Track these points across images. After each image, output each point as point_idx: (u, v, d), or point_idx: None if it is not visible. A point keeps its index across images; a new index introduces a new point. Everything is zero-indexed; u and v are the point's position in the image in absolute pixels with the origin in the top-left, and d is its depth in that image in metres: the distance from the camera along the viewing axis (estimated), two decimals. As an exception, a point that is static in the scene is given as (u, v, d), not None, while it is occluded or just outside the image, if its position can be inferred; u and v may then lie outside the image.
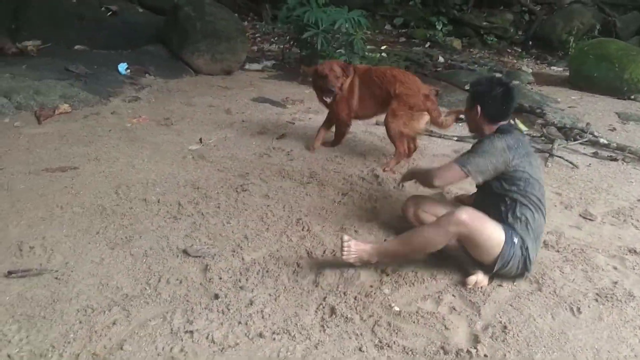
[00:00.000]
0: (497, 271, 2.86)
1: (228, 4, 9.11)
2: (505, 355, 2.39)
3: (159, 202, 3.51)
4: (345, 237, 2.82)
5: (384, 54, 8.29)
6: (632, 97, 7.60)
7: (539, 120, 5.73)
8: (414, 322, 2.57)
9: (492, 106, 3.00)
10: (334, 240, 3.19)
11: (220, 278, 2.79)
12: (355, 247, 2.83)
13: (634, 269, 3.21)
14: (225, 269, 2.87)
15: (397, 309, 2.65)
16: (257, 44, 8.72)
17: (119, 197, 3.56)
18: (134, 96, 5.69)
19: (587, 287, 2.97)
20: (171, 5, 7.12)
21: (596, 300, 2.85)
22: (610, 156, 5.03)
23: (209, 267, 2.86)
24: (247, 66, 7.23)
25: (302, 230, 3.27)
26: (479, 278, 2.85)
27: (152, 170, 3.97)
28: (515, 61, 10.19)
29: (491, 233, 2.78)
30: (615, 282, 3.03)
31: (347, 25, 6.56)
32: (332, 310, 2.59)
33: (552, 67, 9.99)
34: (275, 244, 3.12)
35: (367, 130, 5.17)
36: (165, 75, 6.45)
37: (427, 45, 9.90)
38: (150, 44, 7.17)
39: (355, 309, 2.63)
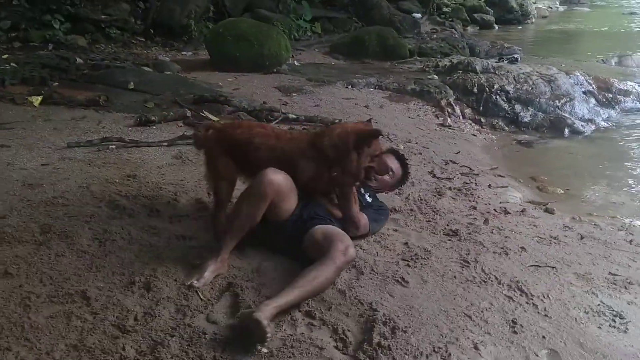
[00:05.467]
0: None
1: None
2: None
3: None
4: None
5: (13, 64, 6.99)
6: (275, 70, 8.23)
7: (229, 108, 5.70)
8: (288, 357, 2.29)
9: None
10: (129, 302, 2.57)
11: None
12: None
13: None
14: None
15: (265, 350, 2.31)
16: None
17: None
18: None
19: (392, 256, 3.11)
20: None
21: (408, 265, 3.02)
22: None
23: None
24: None
25: (81, 304, 2.53)
26: None
27: None
28: (145, 51, 9.91)
29: None
30: (409, 245, 3.26)
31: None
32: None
33: (183, 53, 10.06)
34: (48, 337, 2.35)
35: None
36: None
37: (50, 48, 8.77)
38: None
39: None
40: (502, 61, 8.14)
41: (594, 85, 7.62)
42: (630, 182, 5.20)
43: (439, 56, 10.74)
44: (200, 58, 9.21)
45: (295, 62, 9.40)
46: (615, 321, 2.72)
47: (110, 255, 2.93)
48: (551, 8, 24.22)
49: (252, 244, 3.03)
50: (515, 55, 8.70)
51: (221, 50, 8.33)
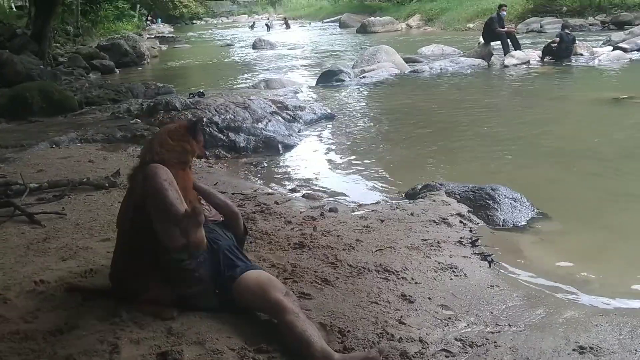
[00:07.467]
0: None
1: None
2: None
3: None
4: None
5: None
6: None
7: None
8: None
9: None
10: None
11: None
12: None
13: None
14: None
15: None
16: None
17: None
18: None
19: (274, 279, 3.27)
20: None
21: (295, 282, 3.23)
22: (55, 195, 4.85)
23: None
24: None
25: None
26: None
27: None
28: None
29: None
30: (277, 265, 3.44)
31: None
32: None
33: None
34: None
35: None
36: None
37: None
38: None
39: None
40: (193, 97, 8.57)
41: (274, 107, 8.66)
42: (359, 173, 6.24)
43: (108, 103, 10.65)
44: None
45: (-43, 132, 8.09)
46: (455, 271, 3.48)
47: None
48: (154, 48, 25.62)
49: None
50: (201, 90, 9.24)
51: None
